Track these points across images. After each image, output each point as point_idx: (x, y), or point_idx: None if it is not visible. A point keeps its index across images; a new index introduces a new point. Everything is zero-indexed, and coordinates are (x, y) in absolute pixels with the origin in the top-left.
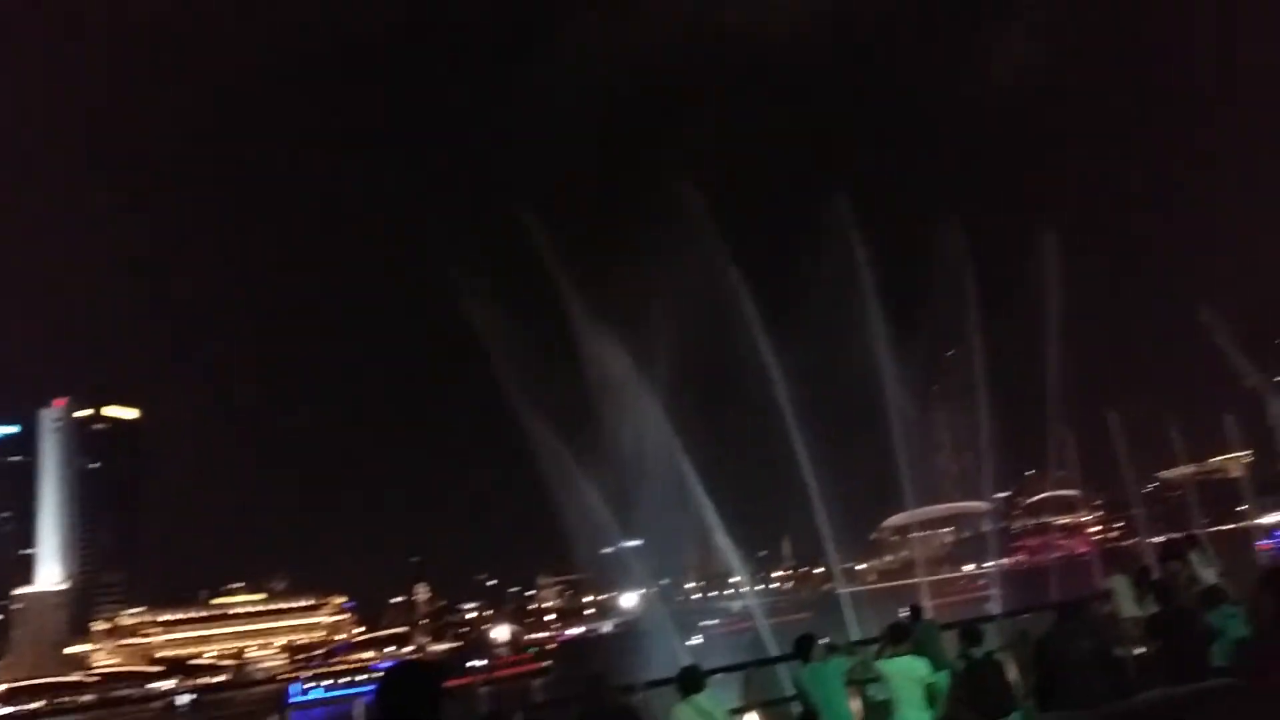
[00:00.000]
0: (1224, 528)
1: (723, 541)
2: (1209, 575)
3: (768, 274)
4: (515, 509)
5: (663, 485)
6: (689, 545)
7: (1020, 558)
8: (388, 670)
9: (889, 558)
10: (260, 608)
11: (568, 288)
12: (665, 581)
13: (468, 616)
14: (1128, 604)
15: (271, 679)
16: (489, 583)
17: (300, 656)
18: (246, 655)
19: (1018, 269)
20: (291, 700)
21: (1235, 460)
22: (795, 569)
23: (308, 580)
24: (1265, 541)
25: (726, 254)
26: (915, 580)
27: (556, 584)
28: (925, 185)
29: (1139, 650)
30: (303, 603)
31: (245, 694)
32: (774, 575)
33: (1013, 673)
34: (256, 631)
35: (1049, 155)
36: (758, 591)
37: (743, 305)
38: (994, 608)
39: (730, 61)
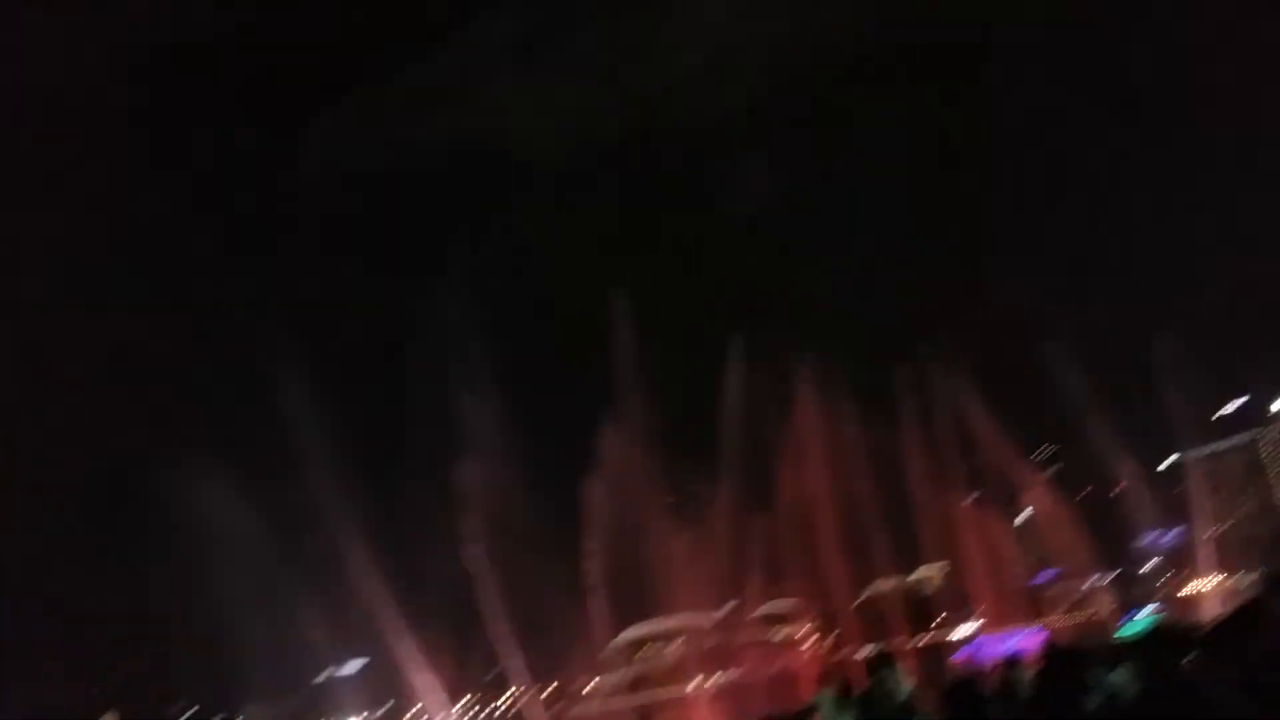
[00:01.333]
0: (924, 639)
1: (444, 663)
2: (904, 689)
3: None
4: (218, 630)
5: (387, 609)
6: (413, 668)
7: (744, 670)
8: None
9: (620, 673)
10: None
11: None
12: (389, 704)
13: None
14: (831, 718)
15: None
16: (190, 710)
17: None
18: None
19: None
20: None
21: (932, 573)
22: (525, 689)
23: None
24: (965, 652)
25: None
26: (646, 699)
27: (267, 711)
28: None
29: None
30: None
31: None
32: (503, 696)
33: None
34: None
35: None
36: (485, 715)
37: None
38: None
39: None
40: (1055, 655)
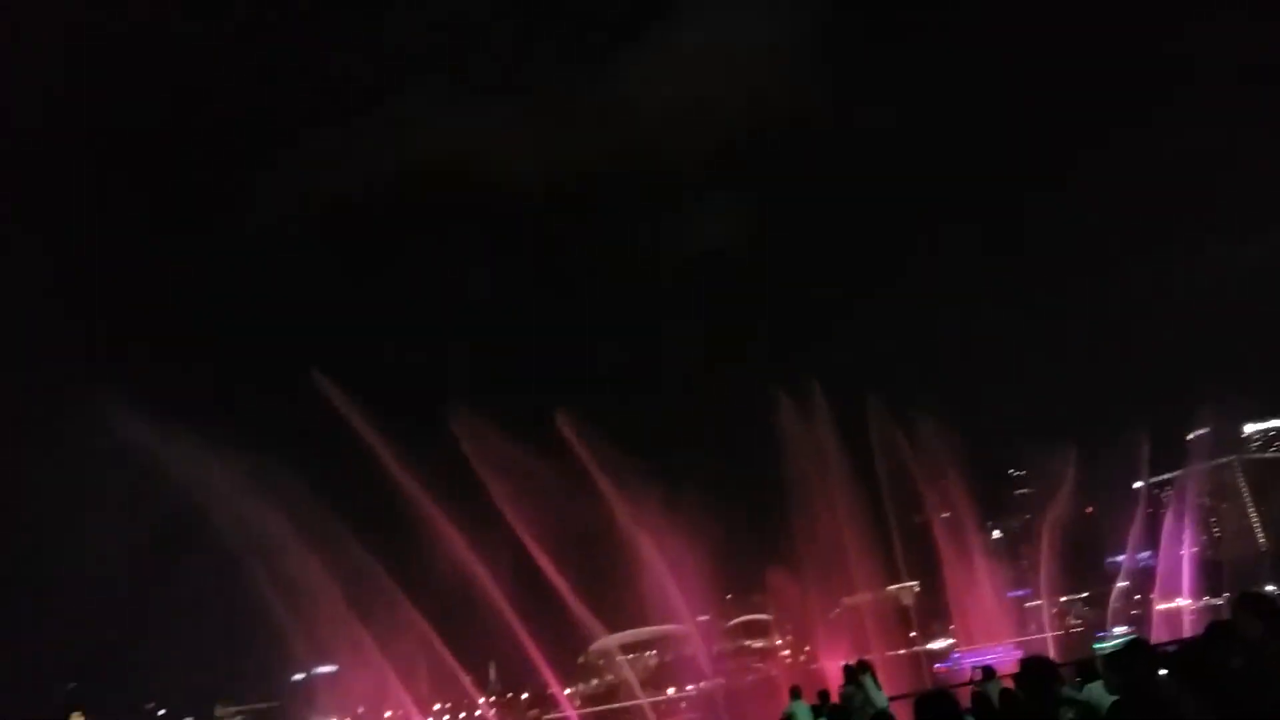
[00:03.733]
0: (900, 652)
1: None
2: (880, 699)
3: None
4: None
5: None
6: (388, 672)
7: (719, 680)
8: None
9: (595, 681)
10: None
11: None
12: (361, 710)
13: None
14: None
15: None
16: (159, 712)
17: None
18: None
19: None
20: None
21: (907, 589)
22: (501, 695)
23: None
24: (941, 665)
25: None
26: (621, 704)
27: (237, 713)
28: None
29: None
30: None
31: None
32: (480, 701)
33: None
34: None
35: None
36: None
37: None
38: None
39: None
40: (1031, 667)
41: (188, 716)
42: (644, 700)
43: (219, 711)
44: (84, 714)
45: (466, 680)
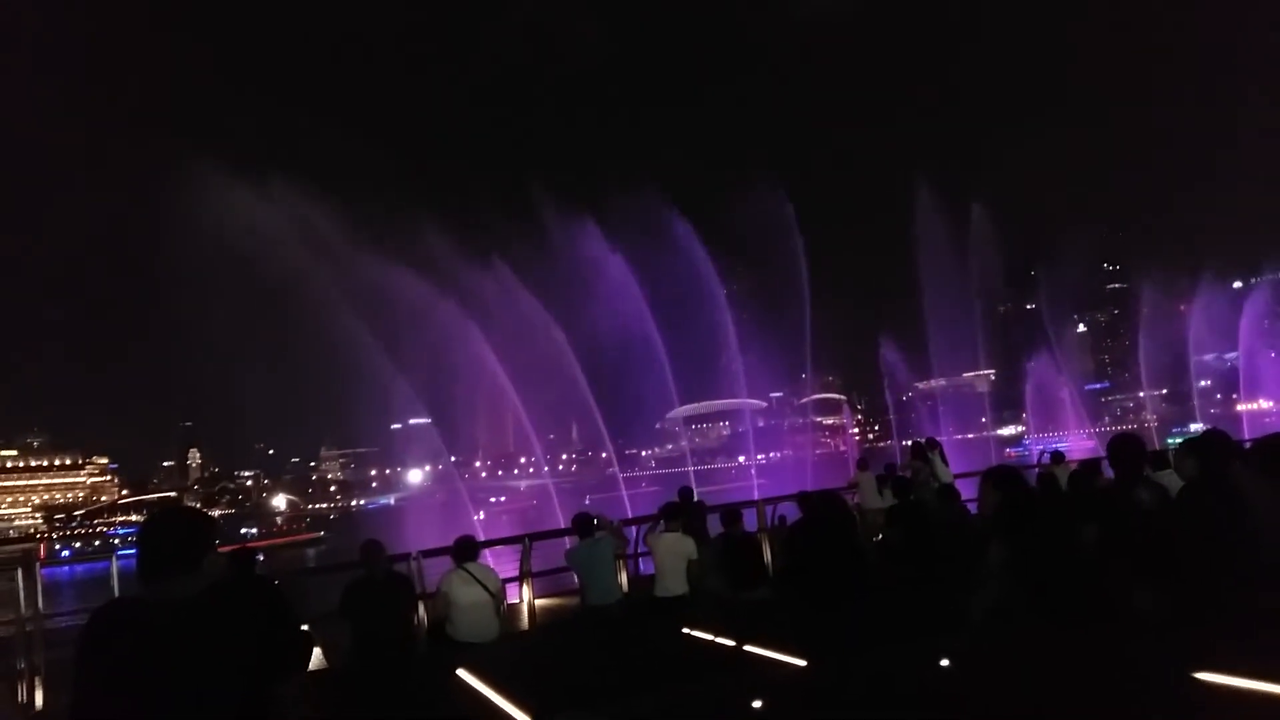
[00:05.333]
0: (969, 436)
1: (514, 422)
2: (945, 474)
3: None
4: (300, 379)
5: (454, 365)
6: (479, 424)
7: (787, 452)
8: (149, 515)
9: (669, 446)
10: (12, 464)
11: None
12: (454, 459)
13: (245, 484)
14: (871, 496)
15: (26, 538)
16: (268, 452)
17: (58, 516)
18: None
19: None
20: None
21: (983, 376)
22: (582, 452)
23: (66, 439)
24: (1012, 450)
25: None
26: (690, 468)
27: (340, 456)
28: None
29: (878, 538)
30: (61, 461)
31: None
32: (562, 458)
33: (768, 552)
34: (7, 489)
35: None
36: (545, 473)
37: None
38: (757, 494)
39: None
40: (1125, 442)
41: (294, 457)
42: (717, 465)
43: (323, 453)
44: (199, 451)
45: (550, 437)
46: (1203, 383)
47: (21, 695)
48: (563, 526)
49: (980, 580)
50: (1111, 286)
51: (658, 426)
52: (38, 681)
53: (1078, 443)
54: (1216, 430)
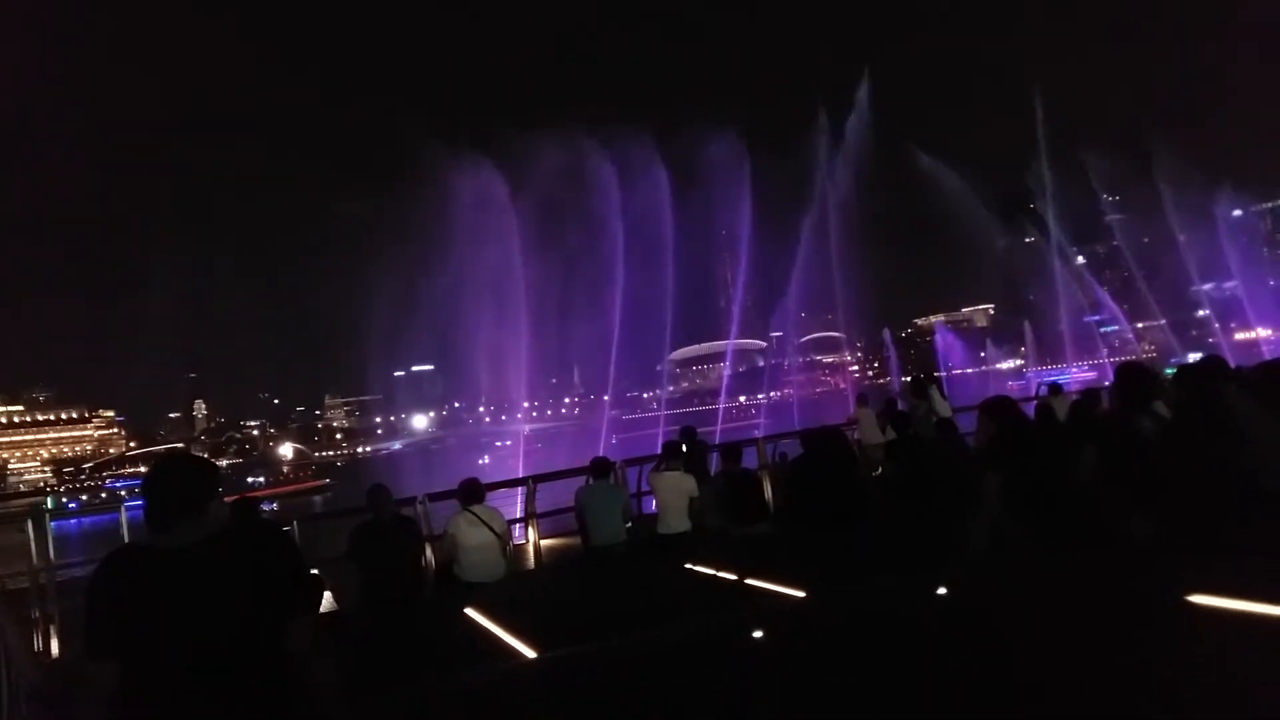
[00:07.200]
0: (968, 370)
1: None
2: (944, 408)
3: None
4: (301, 327)
5: (457, 311)
6: (481, 370)
7: (787, 391)
8: (154, 464)
9: (671, 388)
10: (19, 419)
11: None
12: (457, 404)
13: (252, 434)
14: (871, 432)
15: (35, 491)
16: (274, 401)
17: (67, 469)
18: (6, 468)
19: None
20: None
21: (982, 311)
22: (585, 396)
23: (73, 392)
24: (1013, 383)
25: None
26: (693, 408)
27: (344, 404)
28: None
29: (878, 472)
30: (68, 415)
31: (3, 506)
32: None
33: (769, 489)
34: (15, 443)
35: None
36: (549, 416)
37: None
38: (758, 433)
39: None
40: (1132, 370)
41: (299, 406)
42: (719, 405)
43: (327, 401)
44: (205, 403)
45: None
46: (1200, 312)
47: (37, 643)
48: (567, 469)
49: (976, 510)
50: (1111, 218)
51: (658, 369)
52: (52, 630)
53: (1078, 375)
54: (1212, 356)
